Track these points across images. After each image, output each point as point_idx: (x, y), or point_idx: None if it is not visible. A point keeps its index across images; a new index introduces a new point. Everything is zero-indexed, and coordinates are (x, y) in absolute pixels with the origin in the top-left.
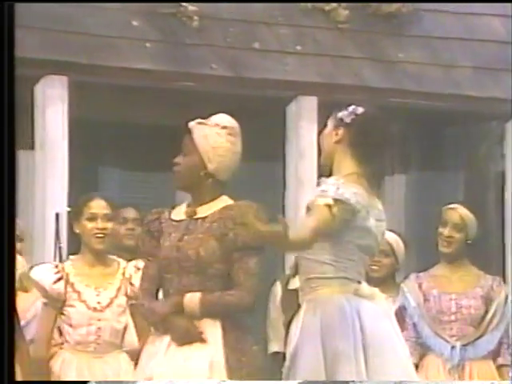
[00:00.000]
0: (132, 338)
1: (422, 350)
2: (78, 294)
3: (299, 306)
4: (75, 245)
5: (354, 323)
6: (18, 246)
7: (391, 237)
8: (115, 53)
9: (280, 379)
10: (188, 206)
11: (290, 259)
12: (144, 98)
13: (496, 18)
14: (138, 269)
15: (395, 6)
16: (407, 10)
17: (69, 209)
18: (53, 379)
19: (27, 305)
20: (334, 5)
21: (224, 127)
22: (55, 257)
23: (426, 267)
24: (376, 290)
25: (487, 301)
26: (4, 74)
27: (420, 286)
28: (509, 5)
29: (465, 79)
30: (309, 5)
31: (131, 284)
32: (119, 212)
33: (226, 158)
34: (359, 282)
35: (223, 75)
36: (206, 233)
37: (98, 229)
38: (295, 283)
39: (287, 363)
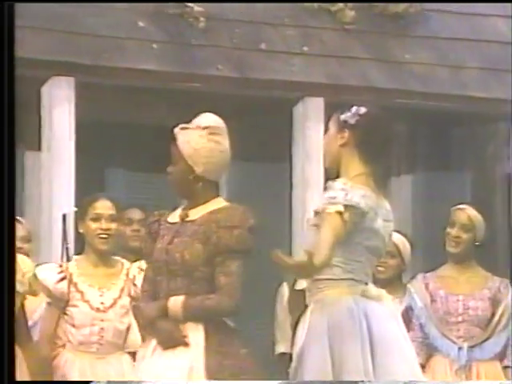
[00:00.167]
0: (135, 339)
1: (428, 350)
2: (82, 294)
3: (306, 306)
4: (81, 245)
5: (362, 324)
6: (26, 247)
7: (397, 238)
8: (122, 54)
9: (287, 380)
10: (183, 208)
11: None
12: (150, 98)
13: (502, 18)
14: (142, 270)
15: (402, 6)
16: (414, 10)
17: (76, 209)
18: (55, 379)
19: (34, 306)
20: (341, 5)
21: (205, 128)
22: (62, 257)
23: (433, 268)
24: (383, 292)
25: (494, 303)
26: (4, 73)
27: (427, 286)
28: (509, 5)
29: (471, 80)
30: (315, 5)
31: (134, 285)
32: (124, 213)
33: (212, 159)
34: (366, 284)
35: (229, 76)
36: (192, 236)
37: (101, 229)
38: (302, 284)
39: (294, 364)
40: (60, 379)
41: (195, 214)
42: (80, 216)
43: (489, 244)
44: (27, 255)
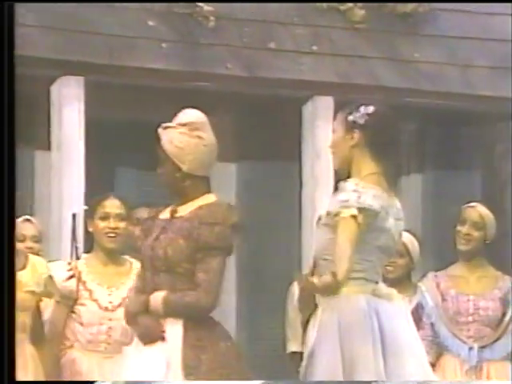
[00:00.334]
0: None
1: (438, 349)
2: (90, 292)
3: (316, 305)
4: (91, 244)
5: (373, 323)
6: (36, 246)
7: (406, 237)
8: (131, 53)
9: (297, 379)
10: (174, 205)
11: (308, 259)
12: (160, 97)
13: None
14: None
15: (411, 5)
16: (423, 9)
17: (86, 207)
18: (63, 379)
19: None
20: (350, 4)
21: (185, 124)
22: (71, 257)
23: (442, 266)
24: (393, 291)
25: (505, 303)
26: (4, 73)
27: (438, 285)
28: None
29: (481, 79)
30: (324, 4)
31: None
32: (133, 212)
33: (196, 155)
34: (377, 283)
35: (239, 75)
36: (177, 232)
37: (109, 228)
38: None
39: (304, 362)
40: (68, 379)
41: (184, 210)
42: (89, 215)
43: (499, 243)
44: (37, 255)
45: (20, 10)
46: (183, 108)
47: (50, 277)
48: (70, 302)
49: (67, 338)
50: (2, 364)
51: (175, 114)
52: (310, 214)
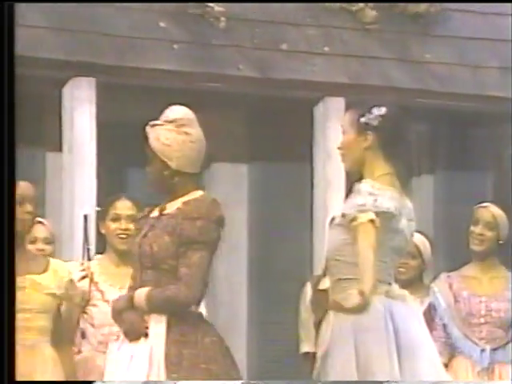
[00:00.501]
0: None
1: (451, 350)
2: (102, 293)
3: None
4: (103, 245)
5: (388, 324)
6: (48, 248)
7: (418, 238)
8: (142, 54)
9: (310, 379)
10: (164, 203)
11: (319, 260)
12: (171, 99)
13: None
14: None
15: (423, 6)
16: (435, 10)
17: (99, 208)
18: (74, 379)
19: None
20: (362, 5)
21: (172, 121)
22: (83, 258)
23: (454, 267)
24: (406, 292)
25: None
26: (4, 73)
27: (450, 286)
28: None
29: (492, 80)
30: (336, 5)
31: None
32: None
33: (184, 152)
34: (390, 284)
35: (250, 76)
36: (163, 229)
37: (121, 229)
38: (325, 283)
39: (318, 363)
40: (80, 379)
41: (171, 207)
42: (101, 216)
43: (510, 243)
44: (50, 257)
45: (30, 11)
46: (192, 109)
47: (71, 280)
48: (82, 302)
49: (79, 339)
50: (2, 364)
51: None
52: (322, 215)
